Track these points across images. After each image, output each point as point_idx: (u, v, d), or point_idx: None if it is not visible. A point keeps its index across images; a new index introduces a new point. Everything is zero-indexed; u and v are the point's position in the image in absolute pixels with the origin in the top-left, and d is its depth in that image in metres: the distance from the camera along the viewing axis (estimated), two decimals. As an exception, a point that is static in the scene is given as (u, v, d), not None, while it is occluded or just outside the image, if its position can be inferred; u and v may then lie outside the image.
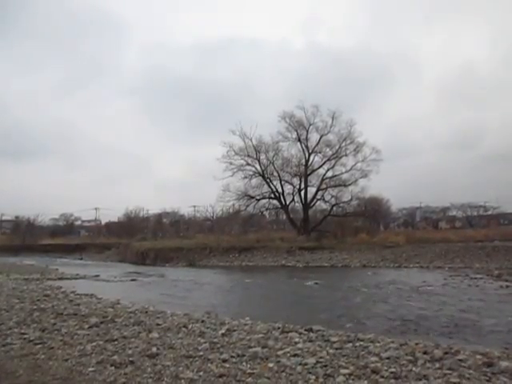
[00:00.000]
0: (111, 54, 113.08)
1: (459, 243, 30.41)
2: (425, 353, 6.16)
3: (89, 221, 76.10)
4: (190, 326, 8.38)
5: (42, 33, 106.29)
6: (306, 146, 41.95)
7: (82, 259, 43.96)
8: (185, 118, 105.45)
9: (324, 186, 41.36)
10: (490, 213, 54.34)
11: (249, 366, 5.71)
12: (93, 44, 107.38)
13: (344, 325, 9.45)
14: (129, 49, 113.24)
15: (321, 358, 6.00)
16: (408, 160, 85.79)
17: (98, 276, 24.03)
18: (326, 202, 41.79)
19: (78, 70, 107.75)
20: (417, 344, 6.83)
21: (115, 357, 6.17)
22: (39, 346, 6.93)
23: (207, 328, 8.26)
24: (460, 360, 5.71)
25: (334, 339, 7.22)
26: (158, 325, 8.54)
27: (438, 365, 5.58)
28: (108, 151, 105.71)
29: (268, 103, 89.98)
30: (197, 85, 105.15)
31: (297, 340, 7.18)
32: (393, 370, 5.37)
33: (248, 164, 41.90)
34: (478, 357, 5.82)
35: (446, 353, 6.12)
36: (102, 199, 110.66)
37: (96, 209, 71.47)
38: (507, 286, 15.38)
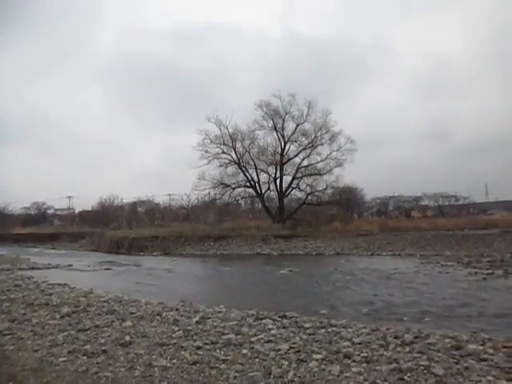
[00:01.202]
0: (84, 38, 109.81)
1: (431, 232, 31.17)
2: (396, 337, 6.29)
3: (62, 209, 74.47)
4: (164, 315, 8.34)
5: (11, 15, 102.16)
6: (282, 135, 42.10)
7: (54, 248, 42.98)
8: (160, 104, 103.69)
9: (299, 174, 41.61)
10: (460, 203, 55.74)
11: (222, 352, 5.72)
12: (65, 27, 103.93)
13: (317, 311, 9.56)
14: (103, 33, 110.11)
15: (294, 343, 6.05)
16: (382, 150, 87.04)
17: (71, 265, 23.59)
18: (301, 190, 42.11)
19: (49, 53, 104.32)
20: (388, 329, 6.96)
21: (87, 346, 6.08)
22: (8, 336, 6.77)
23: (181, 316, 8.24)
24: (429, 344, 5.85)
25: (307, 325, 7.30)
26: (131, 313, 8.46)
27: (408, 349, 5.70)
28: (81, 138, 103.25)
29: (244, 91, 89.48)
30: (173, 71, 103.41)
31: (270, 326, 7.23)
32: (364, 354, 5.47)
33: (224, 152, 41.81)
34: (447, 340, 5.97)
35: (417, 337, 6.26)
36: (76, 187, 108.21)
37: (69, 197, 70.01)
38: (476, 273, 15.83)
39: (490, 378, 4.50)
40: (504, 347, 5.60)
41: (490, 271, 16.09)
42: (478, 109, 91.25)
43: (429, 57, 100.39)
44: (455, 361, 5.09)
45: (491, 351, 5.40)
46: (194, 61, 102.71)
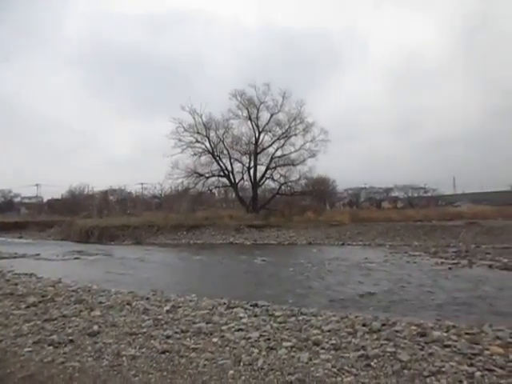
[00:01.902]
0: (51, 23, 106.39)
1: (400, 222, 31.71)
2: (364, 325, 6.41)
3: (29, 198, 72.48)
4: (134, 304, 8.26)
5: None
6: (257, 125, 41.92)
7: (21, 238, 41.85)
8: (133, 92, 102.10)
9: (273, 165, 41.62)
10: (429, 194, 57.06)
11: (193, 341, 5.70)
12: (31, 11, 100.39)
13: (288, 300, 9.65)
14: (72, 17, 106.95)
15: (264, 331, 6.09)
16: (355, 141, 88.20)
17: (38, 255, 23.05)
18: (274, 180, 42.10)
19: (13, 39, 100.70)
20: (356, 317, 7.10)
21: (54, 336, 5.96)
22: (-30, 327, 6.55)
23: (152, 305, 8.18)
24: (396, 331, 5.99)
25: (278, 314, 7.37)
26: (100, 303, 8.35)
27: (375, 336, 5.82)
28: (51, 125, 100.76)
29: (219, 81, 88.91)
30: (146, 58, 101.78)
31: (242, 315, 7.25)
32: (333, 341, 5.55)
33: (197, 141, 41.38)
34: (413, 328, 6.12)
35: (384, 324, 6.40)
36: (44, 175, 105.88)
37: (37, 185, 68.17)
38: (442, 263, 16.29)
39: (452, 363, 4.63)
40: (467, 334, 5.78)
41: (455, 261, 16.60)
42: (448, 101, 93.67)
43: (401, 48, 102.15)
44: (420, 347, 5.22)
45: (455, 338, 5.57)
46: (168, 48, 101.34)
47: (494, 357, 4.82)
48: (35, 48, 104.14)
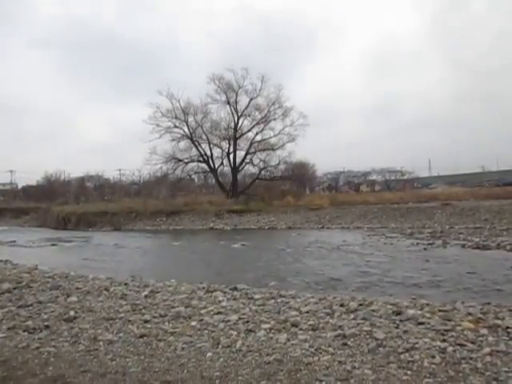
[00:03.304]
0: (21, 2, 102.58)
1: (378, 205, 32.15)
2: (341, 305, 6.50)
3: (3, 184, 70.63)
4: (111, 289, 8.19)
5: None
6: (236, 109, 41.65)
7: (-5, 225, 40.98)
8: (109, 76, 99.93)
9: (253, 149, 41.51)
10: (406, 177, 57.89)
11: (171, 325, 5.69)
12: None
13: (268, 283, 9.72)
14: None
15: (243, 314, 6.12)
16: (333, 125, 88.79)
17: (14, 242, 22.65)
18: (254, 165, 42.06)
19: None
20: (334, 298, 7.20)
21: (29, 322, 5.87)
22: None
23: (130, 290, 8.13)
24: (373, 310, 6.09)
25: (257, 297, 7.41)
26: (77, 289, 8.25)
27: (352, 316, 5.91)
28: (25, 110, 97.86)
29: (196, 65, 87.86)
30: (121, 42, 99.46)
31: (221, 299, 7.27)
32: (311, 322, 5.61)
33: (176, 126, 40.93)
34: (389, 307, 6.24)
35: (361, 304, 6.50)
36: (18, 162, 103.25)
37: (11, 171, 66.41)
38: (417, 244, 16.63)
39: (426, 339, 4.74)
40: (440, 311, 5.93)
41: (430, 242, 16.99)
42: (422, 86, 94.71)
43: (377, 33, 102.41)
44: (395, 325, 5.33)
45: (428, 315, 5.69)
46: (144, 31, 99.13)
47: (465, 332, 4.95)
48: (4, 29, 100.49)
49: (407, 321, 5.49)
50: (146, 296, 7.59)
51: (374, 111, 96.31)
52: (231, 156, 41.65)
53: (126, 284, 8.98)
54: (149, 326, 5.65)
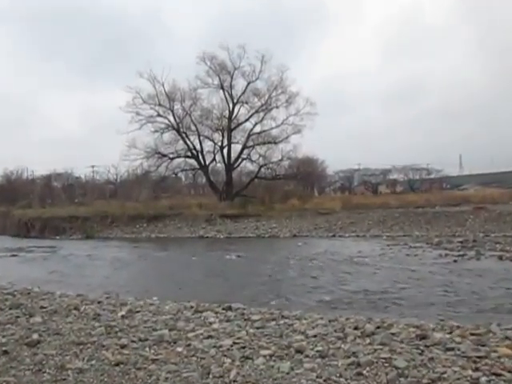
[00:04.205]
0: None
1: (399, 209, 32.20)
2: (355, 328, 6.51)
3: (-46, 184, 70.69)
4: (82, 308, 8.23)
5: None
6: (230, 95, 41.71)
7: None
8: (80, 55, 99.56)
9: (251, 143, 41.55)
10: (432, 176, 57.97)
11: (153, 351, 5.69)
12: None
13: (268, 302, 9.76)
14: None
15: (239, 338, 6.12)
16: (346, 116, 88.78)
17: (-36, 253, 22.63)
18: (252, 162, 42.14)
19: None
20: (347, 319, 7.20)
21: (-17, 348, 5.87)
22: None
23: (104, 310, 8.16)
24: (392, 334, 6.10)
25: (255, 318, 7.42)
26: (42, 308, 8.29)
27: (368, 340, 5.91)
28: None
29: (184, 41, 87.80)
30: (94, 15, 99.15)
31: (212, 320, 7.29)
32: (319, 348, 5.61)
33: (159, 115, 41.03)
34: (412, 329, 6.25)
35: (378, 327, 6.51)
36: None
37: (-37, 169, 66.39)
38: (446, 255, 16.66)
39: (455, 368, 4.73)
40: (472, 335, 5.93)
41: (461, 252, 17.04)
42: (451, 69, 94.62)
43: (398, 7, 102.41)
44: (419, 351, 5.33)
45: (458, 339, 5.70)
46: (121, 2, 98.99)
47: (502, 359, 4.95)
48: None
49: (433, 346, 5.50)
50: (123, 316, 7.60)
51: (395, 97, 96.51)
52: (225, 150, 41.79)
53: (99, 302, 8.99)
54: (126, 351, 5.65)
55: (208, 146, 42.05)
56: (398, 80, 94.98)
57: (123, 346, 5.85)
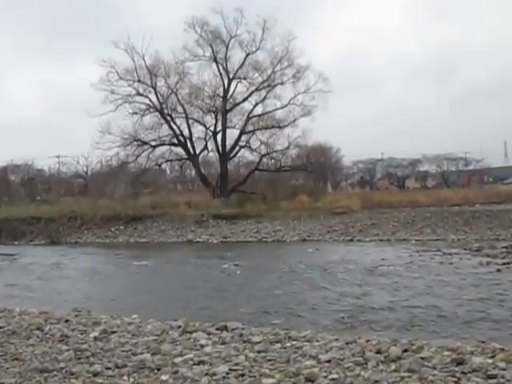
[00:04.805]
0: None
1: (431, 208, 32.21)
2: (378, 352, 6.52)
3: None
4: (47, 328, 8.26)
5: None
6: (226, 69, 41.68)
7: None
8: (41, 21, 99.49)
9: (250, 127, 41.62)
10: (471, 168, 57.96)
11: (132, 380, 5.71)
12: None
13: (272, 320, 9.76)
14: None
15: (236, 365, 6.13)
16: (367, 95, 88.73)
17: None
18: (252, 150, 42.24)
19: None
20: (368, 341, 7.21)
21: None
22: None
23: (73, 330, 8.19)
24: (423, 358, 6.10)
25: (256, 339, 7.44)
26: (-3, 328, 8.30)
27: (394, 366, 5.92)
28: None
29: (169, 4, 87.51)
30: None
31: (204, 342, 7.31)
32: (334, 375, 5.62)
33: (139, 93, 41.09)
34: (446, 353, 6.26)
35: (406, 350, 6.52)
36: None
37: None
38: (488, 263, 16.65)
39: (499, 400, 4.77)
40: (519, 359, 5.95)
41: (506, 260, 17.04)
42: (492, 39, 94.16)
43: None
44: (455, 379, 5.34)
45: (502, 365, 5.70)
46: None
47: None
48: None
49: (472, 373, 5.51)
50: (95, 338, 7.63)
51: (426, 73, 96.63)
52: (219, 136, 41.80)
53: (67, 321, 9.03)
54: (100, 380, 5.67)
55: (198, 131, 42.33)
56: (429, 52, 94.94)
57: (96, 374, 5.87)
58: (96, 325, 8.64)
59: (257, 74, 41.63)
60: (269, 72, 41.06)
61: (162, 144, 41.68)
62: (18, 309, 10.27)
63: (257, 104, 41.67)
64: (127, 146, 40.54)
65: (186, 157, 42.78)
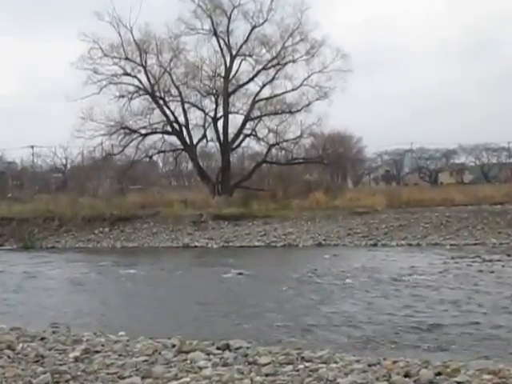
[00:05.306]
0: None
1: (468, 207, 32.09)
2: (406, 375, 6.51)
3: None
4: (19, 347, 8.24)
5: None
6: (228, 45, 41.56)
7: None
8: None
9: (257, 112, 41.60)
10: (516, 159, 57.82)
11: (119, 407, 5.73)
12: None
13: (282, 338, 9.78)
14: None
15: (241, 390, 6.15)
16: (393, 76, 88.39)
17: None
18: (259, 140, 42.20)
19: None
20: (394, 362, 7.19)
21: None
22: None
23: (50, 350, 8.17)
24: (459, 383, 6.10)
25: (264, 360, 7.41)
26: (-40, 348, 8.32)
27: (425, 392, 5.93)
28: None
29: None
30: None
31: (202, 364, 7.29)
32: (356, 403, 5.64)
33: (126, 73, 41.10)
34: (486, 377, 6.24)
35: (439, 374, 6.50)
36: None
37: None
38: (536, 272, 16.66)
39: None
40: None
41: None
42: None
43: None
44: (497, 408, 5.35)
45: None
46: None
47: None
48: None
49: (516, 400, 5.51)
50: (76, 359, 7.61)
51: (463, 50, 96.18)
52: (220, 123, 41.83)
53: (43, 339, 9.02)
54: (82, 408, 5.69)
55: (196, 117, 42.38)
56: (467, 26, 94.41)
57: (77, 401, 5.90)
58: (77, 343, 8.63)
59: (264, 51, 41.55)
60: (278, 48, 41.02)
61: (154, 132, 41.78)
62: (-15, 325, 10.29)
63: (264, 85, 41.65)
64: (113, 135, 40.68)
65: (181, 147, 42.78)
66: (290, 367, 7.10)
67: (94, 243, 31.77)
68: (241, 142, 42.65)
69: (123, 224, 33.63)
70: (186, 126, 41.61)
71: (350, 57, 39.91)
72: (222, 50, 41.72)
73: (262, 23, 41.03)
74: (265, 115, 41.51)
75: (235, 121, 41.93)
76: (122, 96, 40.84)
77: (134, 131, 40.92)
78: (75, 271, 22.20)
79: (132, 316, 13.04)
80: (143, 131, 41.19)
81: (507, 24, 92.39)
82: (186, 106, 41.63)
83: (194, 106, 42.01)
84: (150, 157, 44.22)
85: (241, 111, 41.91)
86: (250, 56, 41.79)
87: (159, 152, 44.23)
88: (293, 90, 41.02)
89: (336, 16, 79.16)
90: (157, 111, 41.29)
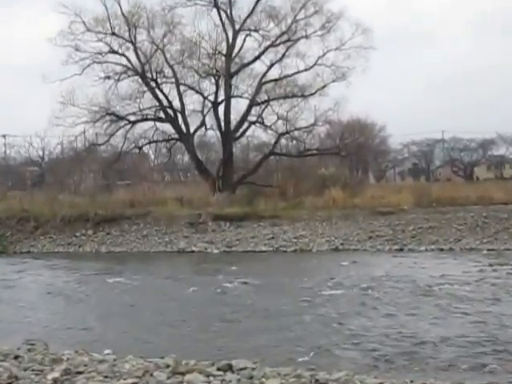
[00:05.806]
0: None
1: (509, 206, 32.07)
2: (437, 401, 6.56)
3: None
4: (-11, 368, 8.28)
5: None
6: (230, 18, 41.55)
7: None
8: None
9: (264, 96, 41.53)
10: None
11: None
12: None
13: (293, 357, 9.78)
14: None
15: (245, 418, 6.19)
16: (422, 54, 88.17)
17: None
18: (266, 128, 42.18)
19: None
20: (422, 387, 7.24)
21: None
22: None
23: (25, 370, 8.21)
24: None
25: (271, 383, 7.44)
26: None
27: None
28: None
29: None
30: None
31: (201, 387, 7.32)
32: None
33: (113, 51, 41.11)
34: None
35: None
36: None
37: None
38: None
39: None
40: None
41: None
42: None
43: None
44: None
45: None
46: None
47: None
48: None
49: None
50: (55, 380, 7.63)
51: (503, 23, 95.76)
52: (221, 109, 41.80)
53: (17, 357, 9.04)
54: None
55: (193, 101, 42.40)
56: None
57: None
58: (56, 363, 8.64)
59: (272, 24, 41.45)
60: (289, 21, 40.95)
61: (144, 119, 41.86)
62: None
63: (272, 65, 41.57)
64: (97, 122, 40.68)
65: (176, 136, 42.81)
66: (303, 391, 7.14)
67: (75, 247, 31.85)
68: (245, 130, 42.75)
69: (109, 225, 33.70)
70: (182, 111, 41.53)
71: (371, 32, 39.83)
72: (223, 23, 41.67)
73: (270, -7, 41.07)
74: (273, 99, 41.47)
75: (238, 106, 42.10)
76: (108, 77, 40.84)
77: (122, 118, 40.98)
78: (54, 280, 22.28)
79: (119, 332, 13.06)
80: (132, 118, 41.29)
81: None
82: (182, 88, 41.68)
83: (191, 88, 42.00)
84: (140, 147, 44.10)
85: (245, 95, 41.99)
86: (256, 31, 41.65)
87: (150, 142, 44.25)
88: (305, 70, 41.00)
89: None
90: (148, 95, 41.39)
